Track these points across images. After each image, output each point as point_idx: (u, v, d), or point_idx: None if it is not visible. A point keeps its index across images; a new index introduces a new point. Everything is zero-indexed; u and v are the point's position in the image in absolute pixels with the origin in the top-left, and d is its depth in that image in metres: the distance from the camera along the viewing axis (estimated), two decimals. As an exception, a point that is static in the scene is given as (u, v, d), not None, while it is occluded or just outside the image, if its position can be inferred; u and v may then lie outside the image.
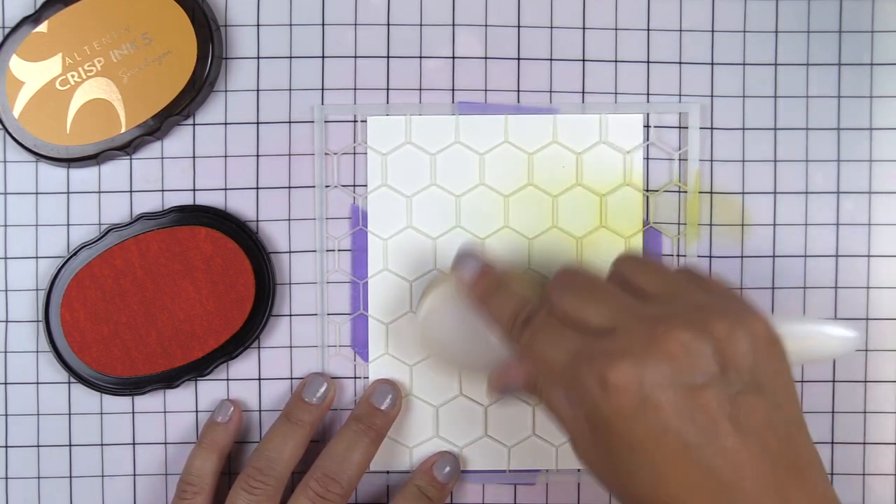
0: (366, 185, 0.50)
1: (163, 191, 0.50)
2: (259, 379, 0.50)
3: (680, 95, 0.50)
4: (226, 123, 0.50)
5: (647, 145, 0.50)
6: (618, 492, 0.38)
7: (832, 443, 0.51)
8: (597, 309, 0.39)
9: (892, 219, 0.50)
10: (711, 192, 0.50)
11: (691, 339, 0.36)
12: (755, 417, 0.36)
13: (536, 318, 0.40)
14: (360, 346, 0.50)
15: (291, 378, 0.50)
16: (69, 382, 0.50)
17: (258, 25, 0.50)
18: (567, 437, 0.39)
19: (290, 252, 0.50)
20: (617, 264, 0.42)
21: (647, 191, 0.50)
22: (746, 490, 0.35)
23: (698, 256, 0.50)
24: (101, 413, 0.50)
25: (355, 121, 0.50)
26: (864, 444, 0.51)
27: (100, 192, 0.50)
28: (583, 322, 0.38)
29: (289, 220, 0.50)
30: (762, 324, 0.37)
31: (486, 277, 0.43)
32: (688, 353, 0.36)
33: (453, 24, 0.50)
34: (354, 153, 0.50)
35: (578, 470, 0.50)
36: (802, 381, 0.50)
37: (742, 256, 0.50)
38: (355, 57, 0.50)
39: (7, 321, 0.50)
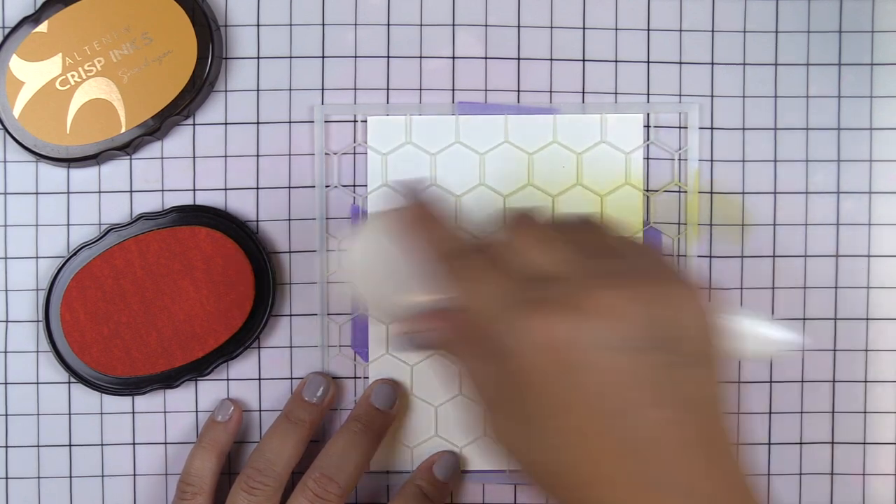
0: (366, 185, 0.50)
1: (163, 191, 0.50)
2: (259, 379, 0.50)
3: (680, 95, 0.50)
4: (226, 123, 0.50)
5: (648, 145, 0.50)
6: (530, 466, 0.35)
7: (832, 443, 0.51)
8: (542, 252, 0.36)
9: (892, 219, 0.50)
10: (711, 192, 0.50)
11: (635, 302, 0.33)
12: (686, 391, 0.34)
13: (469, 254, 0.37)
14: (360, 346, 0.50)
15: (291, 378, 0.50)
16: (69, 382, 0.50)
17: (258, 25, 0.50)
18: (479, 405, 0.37)
19: (290, 252, 0.50)
20: (574, 221, 0.39)
21: (647, 191, 0.50)
22: (664, 463, 0.33)
23: (698, 256, 0.50)
24: (101, 413, 0.50)
25: (355, 121, 0.50)
26: (865, 444, 0.51)
27: (100, 192, 0.50)
28: (525, 265, 0.36)
29: (289, 220, 0.50)
30: (706, 304, 0.35)
31: (430, 206, 0.41)
32: (629, 316, 0.33)
33: (453, 24, 0.50)
34: (354, 153, 0.50)
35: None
36: (802, 381, 0.51)
37: (742, 256, 0.50)
38: (355, 57, 0.50)
39: (7, 321, 0.50)
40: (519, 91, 0.50)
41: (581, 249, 0.36)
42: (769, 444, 0.50)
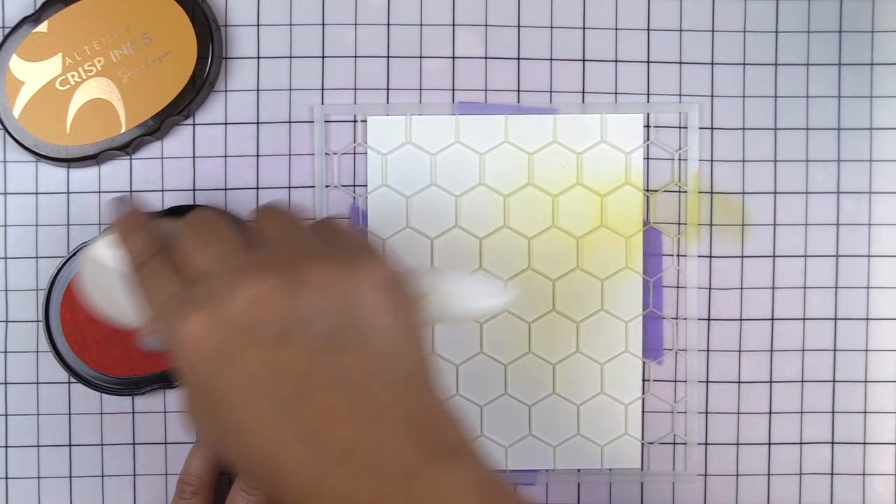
0: (366, 185, 0.50)
1: (163, 191, 0.50)
2: (259, 379, 0.50)
3: (680, 95, 0.50)
4: (226, 123, 0.50)
5: (647, 145, 0.50)
6: (238, 463, 0.36)
7: (832, 443, 0.51)
8: (204, 252, 0.36)
9: (892, 219, 0.50)
10: (711, 192, 0.50)
11: (274, 288, 0.34)
12: (356, 371, 0.34)
13: (152, 262, 0.38)
14: (359, 346, 0.50)
15: (291, 378, 0.50)
16: (69, 382, 0.50)
17: (258, 25, 0.50)
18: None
19: (289, 252, 0.50)
20: (258, 211, 0.40)
21: (647, 191, 0.50)
22: (347, 440, 0.33)
23: (698, 256, 0.50)
24: (101, 413, 0.50)
25: (355, 121, 0.50)
26: (865, 444, 0.51)
27: (100, 192, 0.50)
28: (190, 266, 0.36)
29: (289, 220, 0.50)
30: (380, 272, 0.35)
31: (132, 215, 0.40)
32: (268, 303, 0.34)
33: (453, 24, 0.50)
34: (354, 153, 0.50)
35: (578, 470, 0.50)
36: (802, 381, 0.50)
37: (742, 256, 0.50)
38: (355, 57, 0.50)
39: (7, 321, 0.50)
40: (519, 91, 0.50)
41: (249, 243, 0.37)
42: (769, 444, 0.50)
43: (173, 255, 0.37)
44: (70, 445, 0.50)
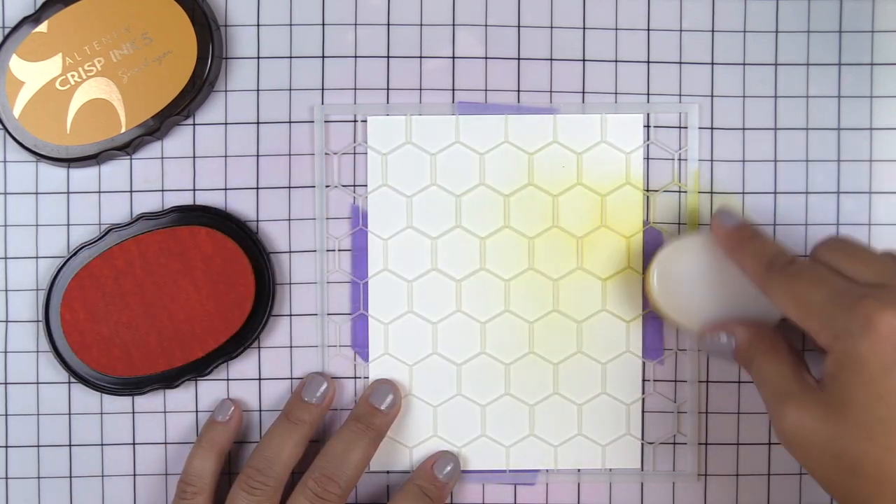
0: (366, 185, 0.50)
1: (163, 191, 0.50)
2: (259, 379, 0.50)
3: (680, 95, 0.50)
4: (226, 123, 0.50)
5: (647, 145, 0.50)
6: (823, 459, 0.38)
7: (832, 443, 0.51)
8: (865, 266, 0.40)
9: (892, 219, 0.50)
10: (711, 192, 0.50)
11: None
12: None
13: (799, 262, 0.42)
14: (360, 346, 0.50)
15: (291, 378, 0.50)
16: (69, 382, 0.50)
17: (258, 25, 0.50)
18: (770, 405, 0.41)
19: (290, 252, 0.50)
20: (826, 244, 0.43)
21: (647, 191, 0.50)
22: None
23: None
24: (101, 413, 0.50)
25: (355, 121, 0.50)
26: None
27: (100, 192, 0.50)
28: (849, 275, 0.40)
29: (289, 220, 0.50)
30: None
31: (744, 226, 0.45)
32: None
33: (453, 24, 0.50)
34: (354, 153, 0.50)
35: (578, 470, 0.50)
36: (802, 381, 0.50)
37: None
38: (355, 57, 0.50)
39: (7, 321, 0.50)
40: (519, 91, 0.50)
41: (892, 267, 0.40)
42: (769, 444, 0.50)
43: (808, 263, 0.42)
44: (70, 445, 0.50)
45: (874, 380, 0.37)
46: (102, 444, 0.50)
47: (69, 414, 0.50)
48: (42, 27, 0.48)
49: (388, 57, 0.50)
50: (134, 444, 0.50)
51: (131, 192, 0.50)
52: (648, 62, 0.50)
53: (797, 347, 0.43)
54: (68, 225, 0.50)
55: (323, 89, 0.50)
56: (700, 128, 0.50)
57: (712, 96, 0.50)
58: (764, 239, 0.44)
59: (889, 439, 0.37)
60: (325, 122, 0.50)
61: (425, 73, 0.50)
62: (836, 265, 0.41)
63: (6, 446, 0.50)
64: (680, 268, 0.47)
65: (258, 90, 0.50)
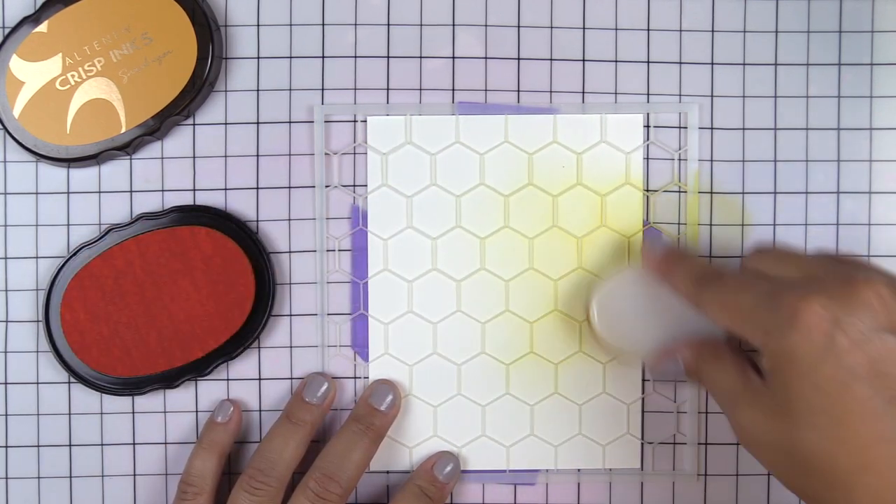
0: (366, 185, 0.50)
1: (163, 191, 0.50)
2: (259, 379, 0.50)
3: (680, 95, 0.50)
4: (226, 123, 0.50)
5: (647, 145, 0.50)
6: (780, 458, 0.38)
7: (832, 443, 0.51)
8: (794, 266, 0.40)
9: (892, 219, 0.50)
10: (711, 192, 0.50)
11: (890, 292, 0.36)
12: None
13: (727, 274, 0.42)
14: (360, 346, 0.50)
15: (291, 378, 0.50)
16: (69, 382, 0.50)
17: (258, 25, 0.50)
18: (725, 411, 0.41)
19: (290, 252, 0.50)
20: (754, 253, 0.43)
21: (647, 191, 0.50)
22: None
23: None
24: (101, 413, 0.50)
25: (355, 121, 0.50)
26: (864, 443, 0.51)
27: (100, 192, 0.50)
28: (777, 275, 0.40)
29: (289, 220, 0.50)
30: None
31: (671, 251, 0.46)
32: (884, 305, 0.36)
33: (453, 24, 0.50)
34: (354, 153, 0.50)
35: (578, 470, 0.50)
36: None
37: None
38: (355, 57, 0.50)
39: (7, 321, 0.50)
40: (519, 91, 0.50)
41: (818, 263, 0.40)
42: (769, 443, 0.50)
43: (735, 273, 0.42)
44: (70, 445, 0.50)
45: (809, 371, 0.36)
46: (102, 444, 0.50)
47: (69, 414, 0.50)
48: (42, 27, 0.48)
49: (388, 57, 0.50)
50: (134, 444, 0.50)
51: (131, 192, 0.50)
52: (648, 62, 0.50)
53: (742, 351, 0.43)
54: (68, 225, 0.50)
55: (323, 89, 0.50)
56: (700, 128, 0.50)
57: (712, 96, 0.50)
58: (692, 258, 0.45)
59: (837, 430, 0.36)
60: (325, 122, 0.50)
61: (425, 73, 0.50)
62: (764, 270, 0.41)
63: (6, 446, 0.50)
64: (619, 303, 0.47)
65: (258, 90, 0.50)
